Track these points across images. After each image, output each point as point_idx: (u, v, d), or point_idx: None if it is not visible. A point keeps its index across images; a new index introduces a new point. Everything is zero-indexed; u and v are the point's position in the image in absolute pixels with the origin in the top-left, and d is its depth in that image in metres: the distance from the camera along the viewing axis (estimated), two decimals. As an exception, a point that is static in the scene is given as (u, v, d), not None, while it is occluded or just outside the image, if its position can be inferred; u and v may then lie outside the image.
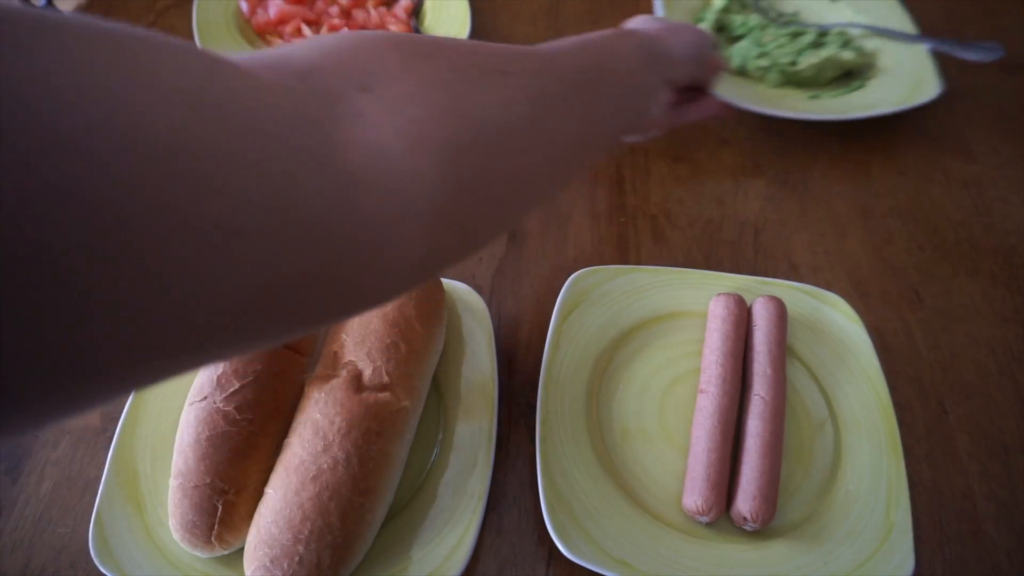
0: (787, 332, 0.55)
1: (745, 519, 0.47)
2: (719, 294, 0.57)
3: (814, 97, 0.75)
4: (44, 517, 0.50)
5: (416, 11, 0.82)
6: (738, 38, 0.81)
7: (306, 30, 0.79)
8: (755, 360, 0.53)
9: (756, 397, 0.51)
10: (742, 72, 0.77)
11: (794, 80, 0.76)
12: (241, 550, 0.45)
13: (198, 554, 0.45)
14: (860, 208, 0.69)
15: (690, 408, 0.53)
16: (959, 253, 0.66)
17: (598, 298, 0.58)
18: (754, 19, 0.81)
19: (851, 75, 0.78)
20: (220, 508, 0.44)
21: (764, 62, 0.76)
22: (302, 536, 0.41)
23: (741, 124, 0.76)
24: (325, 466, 0.43)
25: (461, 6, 0.80)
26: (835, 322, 0.57)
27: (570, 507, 0.47)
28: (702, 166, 0.72)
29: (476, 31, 0.78)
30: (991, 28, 0.87)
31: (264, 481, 0.45)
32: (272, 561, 0.41)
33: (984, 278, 0.64)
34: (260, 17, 0.80)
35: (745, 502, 0.47)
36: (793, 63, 0.76)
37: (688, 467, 0.49)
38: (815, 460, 0.51)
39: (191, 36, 0.77)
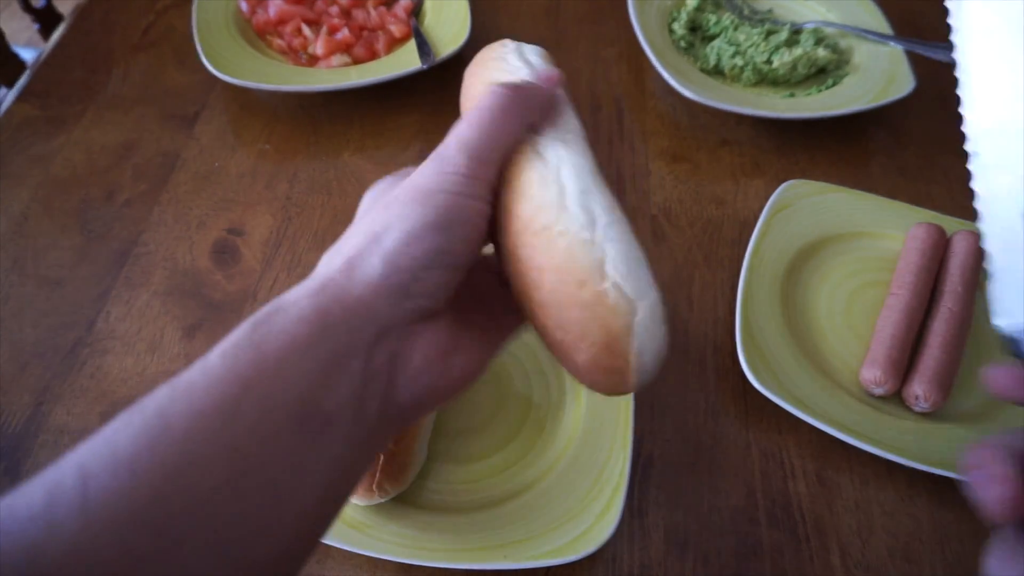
0: (982, 264, 0.59)
1: (917, 397, 0.53)
2: (921, 222, 0.62)
3: (790, 95, 0.76)
4: (44, 517, 0.50)
5: (416, 11, 0.82)
6: (712, 37, 0.81)
7: (306, 30, 0.79)
8: (948, 280, 0.58)
9: (944, 308, 0.57)
10: (717, 71, 0.78)
11: (769, 78, 0.77)
12: (392, 500, 0.48)
13: (356, 502, 0.47)
14: (860, 208, 0.69)
15: (877, 309, 0.59)
16: (959, 253, 0.66)
17: (806, 206, 0.65)
18: (728, 18, 0.81)
19: (825, 72, 0.78)
20: (382, 457, 0.46)
21: (739, 61, 0.76)
22: None
23: (741, 124, 0.76)
24: None
25: (461, 6, 0.80)
26: None
27: (761, 353, 0.55)
28: (702, 166, 0.72)
29: (476, 31, 0.78)
30: (991, 28, 0.87)
31: (418, 434, 0.49)
32: None
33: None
34: (260, 17, 0.80)
35: (919, 383, 0.53)
36: (768, 61, 0.76)
37: (870, 347, 0.56)
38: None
39: (191, 36, 0.77)
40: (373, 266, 0.28)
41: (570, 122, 0.34)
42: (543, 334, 0.31)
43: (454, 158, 0.30)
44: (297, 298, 0.28)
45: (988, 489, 0.24)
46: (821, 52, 0.76)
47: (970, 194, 0.28)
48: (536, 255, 0.29)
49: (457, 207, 0.29)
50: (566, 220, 0.29)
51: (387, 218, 0.29)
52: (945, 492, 0.52)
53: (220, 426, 0.24)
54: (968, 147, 0.29)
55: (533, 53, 0.37)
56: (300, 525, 0.26)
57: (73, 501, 0.22)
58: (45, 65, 0.80)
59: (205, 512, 0.24)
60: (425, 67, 0.74)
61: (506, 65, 0.36)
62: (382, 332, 0.28)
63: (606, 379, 0.30)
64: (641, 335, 0.28)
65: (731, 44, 0.78)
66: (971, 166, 0.28)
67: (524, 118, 0.32)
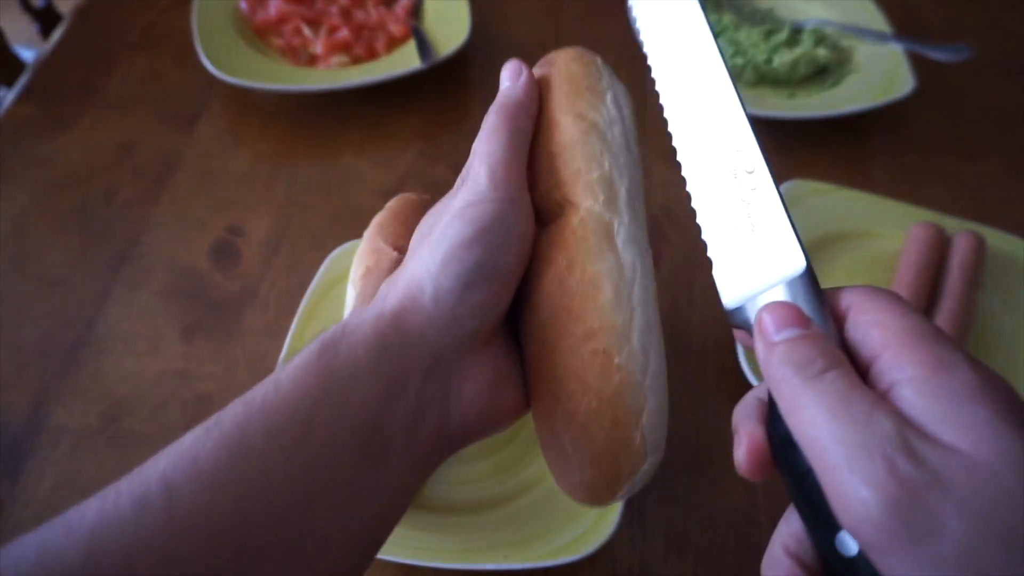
0: (984, 264, 0.60)
1: None
2: (921, 222, 0.62)
3: (791, 95, 0.76)
4: (44, 517, 0.49)
5: (416, 11, 0.82)
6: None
7: (306, 30, 0.79)
8: (948, 280, 0.58)
9: (944, 308, 0.57)
10: None
11: (769, 78, 0.77)
12: None
13: None
14: (860, 208, 0.69)
15: None
16: (959, 253, 0.66)
17: (806, 205, 0.65)
18: (728, 18, 0.81)
19: (825, 72, 0.78)
20: None
21: (739, 60, 0.76)
22: None
23: (741, 124, 0.75)
24: None
25: (461, 6, 0.80)
26: None
27: None
28: (702, 166, 0.72)
29: (476, 31, 0.78)
30: (991, 28, 0.87)
31: None
32: None
33: (984, 278, 0.64)
34: (260, 16, 0.80)
35: None
36: (768, 61, 0.76)
37: None
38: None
39: (191, 36, 0.77)
40: (424, 293, 0.30)
41: (643, 213, 0.33)
42: (548, 431, 0.31)
43: (477, 171, 0.32)
44: (360, 322, 0.29)
45: (736, 448, 0.26)
46: (821, 52, 0.76)
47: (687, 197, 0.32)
48: (587, 373, 0.29)
49: (490, 213, 0.30)
50: (627, 355, 0.29)
51: (431, 243, 0.30)
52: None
53: (293, 445, 0.25)
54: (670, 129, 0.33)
55: (623, 96, 0.37)
56: (356, 546, 0.27)
57: (160, 512, 0.23)
58: (45, 65, 0.80)
59: (278, 532, 0.24)
60: (425, 67, 0.74)
61: (603, 108, 0.35)
62: (435, 360, 0.29)
63: (586, 497, 0.31)
64: (636, 484, 0.30)
65: (731, 44, 0.78)
66: (680, 161, 0.32)
67: (520, 119, 0.34)
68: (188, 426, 0.60)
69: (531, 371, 0.32)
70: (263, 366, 0.57)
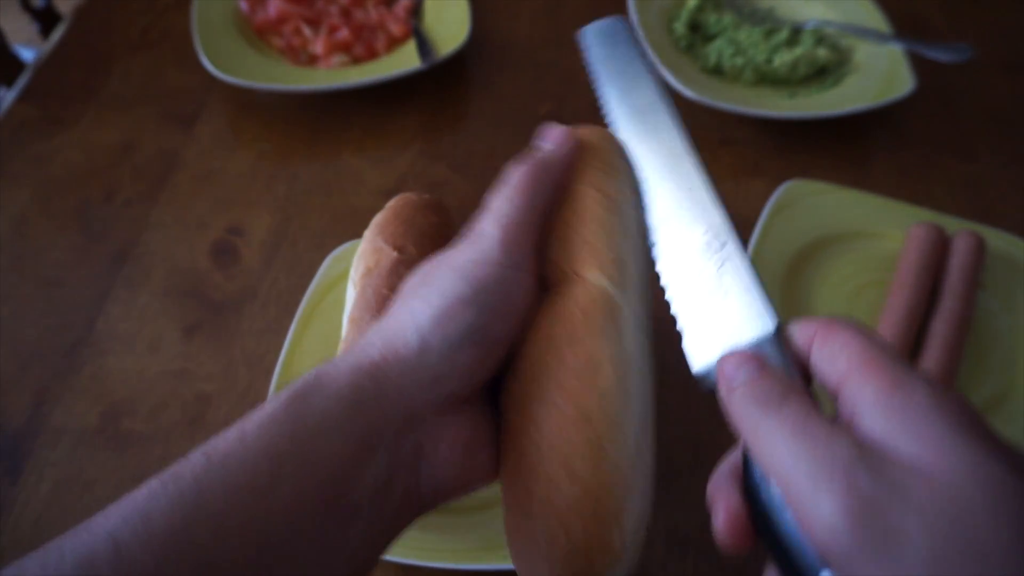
0: (984, 264, 0.60)
1: None
2: (921, 222, 0.62)
3: (791, 95, 0.76)
4: (44, 517, 0.50)
5: (416, 11, 0.82)
6: (713, 36, 0.81)
7: (306, 30, 0.79)
8: (948, 280, 0.58)
9: (944, 308, 0.57)
10: (718, 71, 0.78)
11: (769, 78, 0.77)
12: None
13: None
14: (860, 208, 0.69)
15: (877, 309, 0.59)
16: (959, 253, 0.66)
17: (806, 206, 0.65)
18: (728, 18, 0.81)
19: (825, 72, 0.78)
20: None
21: (739, 60, 0.76)
22: None
23: (741, 124, 0.75)
24: None
25: (461, 6, 0.80)
26: None
27: None
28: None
29: (476, 31, 0.78)
30: (991, 28, 0.87)
31: None
32: None
33: (984, 278, 0.64)
34: (260, 16, 0.80)
35: None
36: (768, 61, 0.76)
37: None
38: (991, 374, 0.56)
39: (191, 36, 0.77)
40: (409, 347, 0.28)
41: (650, 301, 0.32)
42: (520, 513, 0.29)
43: (488, 229, 0.30)
44: (337, 373, 0.28)
45: (715, 519, 0.26)
46: (821, 52, 0.76)
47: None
48: (574, 460, 0.27)
49: (492, 277, 0.29)
50: (619, 448, 0.27)
51: (425, 294, 0.29)
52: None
53: (253, 505, 0.24)
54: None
55: (642, 184, 0.35)
56: None
57: None
58: (45, 65, 0.80)
59: None
60: (425, 67, 0.74)
61: (627, 191, 0.33)
62: (410, 418, 0.28)
63: None
64: None
65: (731, 44, 0.78)
66: (651, 221, 0.33)
67: (548, 185, 0.33)
68: (188, 426, 0.60)
69: (509, 444, 0.30)
70: (263, 366, 0.57)
